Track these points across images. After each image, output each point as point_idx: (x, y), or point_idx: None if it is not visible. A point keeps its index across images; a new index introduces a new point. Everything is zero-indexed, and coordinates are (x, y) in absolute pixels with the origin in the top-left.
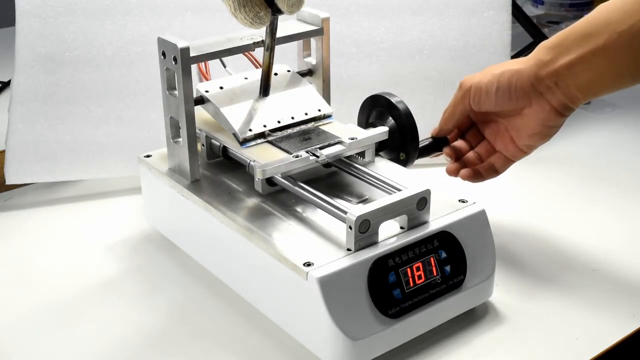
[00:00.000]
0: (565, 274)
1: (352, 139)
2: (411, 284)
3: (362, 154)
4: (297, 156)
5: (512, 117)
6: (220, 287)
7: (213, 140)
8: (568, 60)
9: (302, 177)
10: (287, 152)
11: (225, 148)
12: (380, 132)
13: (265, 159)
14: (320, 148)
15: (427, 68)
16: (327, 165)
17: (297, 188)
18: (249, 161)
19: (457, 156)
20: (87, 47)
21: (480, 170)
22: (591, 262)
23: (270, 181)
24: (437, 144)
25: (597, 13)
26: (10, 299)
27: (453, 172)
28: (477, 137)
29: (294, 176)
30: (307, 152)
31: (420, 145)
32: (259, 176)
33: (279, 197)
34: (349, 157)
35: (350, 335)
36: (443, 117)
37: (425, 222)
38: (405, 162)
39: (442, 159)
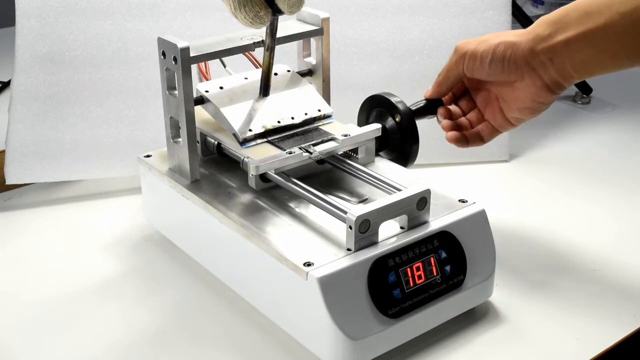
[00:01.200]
0: (565, 274)
1: (345, 135)
2: (411, 284)
3: (355, 151)
4: (290, 152)
5: (504, 88)
6: (220, 287)
7: (208, 137)
8: (566, 37)
9: (298, 174)
10: (282, 149)
11: (219, 145)
12: (373, 129)
13: (259, 156)
14: (314, 145)
15: (427, 68)
16: (321, 162)
17: (291, 185)
18: (243, 157)
19: (450, 118)
20: (87, 47)
21: (467, 135)
22: (591, 262)
23: (264, 178)
24: (431, 106)
25: None
26: (10, 299)
27: (447, 128)
28: (469, 105)
29: (289, 173)
30: (300, 148)
31: (414, 108)
32: (252, 172)
33: (278, 195)
34: (346, 156)
35: (350, 335)
36: (436, 80)
37: (425, 222)
38: (400, 125)
39: (442, 160)
